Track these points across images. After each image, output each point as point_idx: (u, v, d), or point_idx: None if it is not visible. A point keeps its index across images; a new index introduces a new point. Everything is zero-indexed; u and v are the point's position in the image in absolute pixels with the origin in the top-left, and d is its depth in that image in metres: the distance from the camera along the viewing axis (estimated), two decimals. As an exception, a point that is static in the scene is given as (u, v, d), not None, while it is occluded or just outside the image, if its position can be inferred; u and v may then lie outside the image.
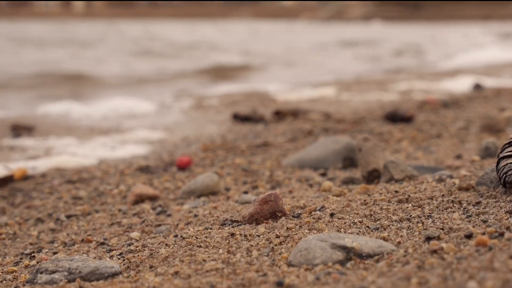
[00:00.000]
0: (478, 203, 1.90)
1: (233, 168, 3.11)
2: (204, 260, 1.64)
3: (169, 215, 2.31)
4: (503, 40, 18.45)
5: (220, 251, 1.71)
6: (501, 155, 1.98)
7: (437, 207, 1.89)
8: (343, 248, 1.56)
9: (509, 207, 1.79)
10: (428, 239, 1.61)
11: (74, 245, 2.06)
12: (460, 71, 9.28)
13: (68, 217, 2.48)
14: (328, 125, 4.39)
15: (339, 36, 24.96)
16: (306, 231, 1.80)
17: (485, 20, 47.35)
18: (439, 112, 4.75)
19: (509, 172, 1.92)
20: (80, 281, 1.61)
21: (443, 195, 2.01)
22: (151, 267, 1.67)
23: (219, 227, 1.98)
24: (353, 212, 1.93)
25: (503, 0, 52.70)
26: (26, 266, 1.85)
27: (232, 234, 1.83)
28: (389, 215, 1.86)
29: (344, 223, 1.83)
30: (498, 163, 1.98)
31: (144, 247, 1.85)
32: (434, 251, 1.49)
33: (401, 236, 1.68)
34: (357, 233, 1.74)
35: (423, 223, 1.76)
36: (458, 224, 1.70)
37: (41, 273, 1.67)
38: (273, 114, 4.96)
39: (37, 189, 2.98)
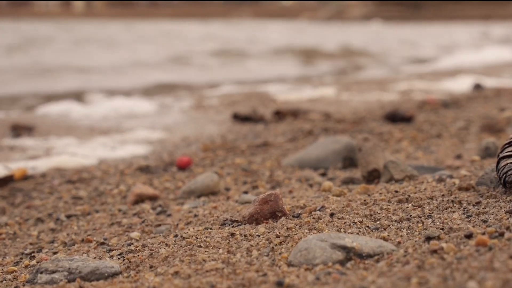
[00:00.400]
0: (478, 203, 1.90)
1: (233, 168, 3.11)
2: (204, 260, 1.64)
3: (169, 215, 2.31)
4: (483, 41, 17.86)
5: (220, 251, 1.71)
6: (501, 155, 1.98)
7: (437, 207, 1.90)
8: (343, 248, 1.56)
9: (509, 207, 1.79)
10: (428, 239, 1.61)
11: (74, 245, 2.06)
12: (460, 71, 9.27)
13: (68, 217, 2.48)
14: (328, 125, 4.39)
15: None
16: (306, 231, 1.80)
17: (485, 20, 47.35)
18: (439, 112, 4.75)
19: (509, 172, 1.92)
20: (80, 281, 1.61)
21: (443, 195, 2.01)
22: (151, 267, 1.67)
23: (219, 227, 1.98)
24: (353, 212, 1.93)
25: (503, 0, 52.70)
26: (26, 266, 1.85)
27: (232, 234, 1.83)
28: (389, 215, 1.86)
29: (344, 223, 1.83)
30: (498, 163, 1.98)
31: (144, 247, 1.85)
32: (434, 251, 1.49)
33: (401, 236, 1.68)
34: (357, 233, 1.74)
35: (423, 223, 1.76)
36: (458, 224, 1.70)
37: (41, 273, 1.67)
38: (273, 114, 4.96)
39: (37, 189, 2.98)
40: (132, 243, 1.92)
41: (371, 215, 1.88)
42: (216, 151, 3.62)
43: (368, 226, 1.79)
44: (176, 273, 1.57)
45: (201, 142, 4.03)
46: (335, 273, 1.46)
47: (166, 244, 1.83)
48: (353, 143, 3.01)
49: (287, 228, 1.83)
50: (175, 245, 1.81)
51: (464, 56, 13.83)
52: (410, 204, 1.95)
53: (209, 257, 1.66)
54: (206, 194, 2.59)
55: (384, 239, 1.67)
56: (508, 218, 1.69)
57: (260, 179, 2.85)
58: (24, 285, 1.67)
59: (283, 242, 1.73)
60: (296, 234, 1.77)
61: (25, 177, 3.21)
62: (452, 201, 1.94)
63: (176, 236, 1.91)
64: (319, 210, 1.99)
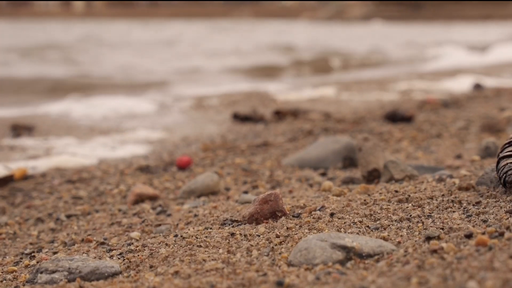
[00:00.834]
0: (478, 202, 1.90)
1: (233, 168, 3.11)
2: (204, 260, 1.64)
3: (169, 215, 2.31)
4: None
5: (220, 251, 1.71)
6: (501, 155, 1.98)
7: (437, 207, 1.90)
8: (343, 248, 1.56)
9: (509, 207, 1.79)
10: (428, 239, 1.61)
11: (74, 245, 2.06)
12: (460, 71, 9.27)
13: (68, 217, 2.48)
14: (328, 125, 4.39)
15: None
16: (306, 231, 1.80)
17: (485, 20, 47.35)
18: (439, 112, 4.75)
19: (509, 172, 1.92)
20: (80, 281, 1.61)
21: (443, 195, 2.01)
22: (151, 267, 1.67)
23: (219, 227, 1.98)
24: (353, 212, 1.93)
25: (503, 0, 52.69)
26: (26, 266, 1.85)
27: (232, 234, 1.83)
28: (389, 215, 1.86)
29: (344, 223, 1.83)
30: (498, 162, 1.98)
31: (144, 247, 1.85)
32: (434, 251, 1.49)
33: (401, 236, 1.68)
34: (357, 233, 1.74)
35: (423, 222, 1.76)
36: (458, 224, 1.70)
37: (41, 273, 1.67)
38: (273, 114, 4.96)
39: (37, 189, 2.98)
40: (132, 243, 1.92)
41: (371, 215, 1.88)
42: (216, 151, 3.62)
43: (368, 226, 1.79)
44: (176, 273, 1.57)
45: (201, 142, 4.03)
46: (335, 273, 1.46)
47: (166, 244, 1.83)
48: (353, 143, 3.01)
49: (287, 228, 1.83)
50: (175, 245, 1.81)
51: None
52: (410, 204, 1.95)
53: (209, 257, 1.66)
54: (206, 194, 2.59)
55: (384, 239, 1.67)
56: (508, 218, 1.69)
57: (260, 179, 2.85)
58: (24, 285, 1.67)
59: (283, 242, 1.73)
60: (296, 234, 1.77)
61: (25, 177, 3.21)
62: (452, 201, 1.94)
63: (176, 236, 1.91)
64: (319, 210, 1.99)
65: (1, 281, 1.73)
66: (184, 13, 68.36)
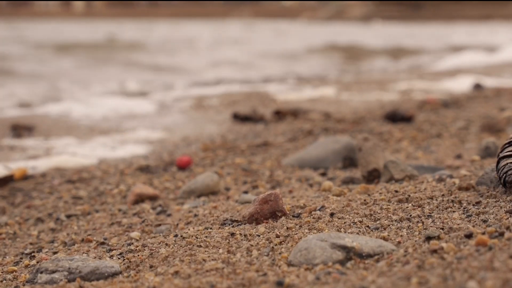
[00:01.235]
0: (478, 202, 1.90)
1: (233, 168, 3.11)
2: (204, 260, 1.64)
3: (169, 215, 2.31)
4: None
5: (220, 250, 1.71)
6: (501, 155, 1.98)
7: (437, 207, 1.90)
8: (343, 247, 1.56)
9: (509, 207, 1.79)
10: (428, 238, 1.61)
11: (74, 245, 2.06)
12: (460, 71, 9.27)
13: (68, 217, 2.48)
14: (328, 125, 4.38)
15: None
16: (306, 230, 1.80)
17: (486, 20, 47.34)
18: (439, 112, 4.75)
19: (509, 172, 1.92)
20: (80, 280, 1.61)
21: (443, 195, 2.01)
22: (151, 266, 1.67)
23: (219, 227, 1.98)
24: (353, 211, 1.93)
25: (503, 0, 52.69)
26: (26, 266, 1.85)
27: (232, 234, 1.83)
28: (389, 214, 1.86)
29: (344, 222, 1.83)
30: (498, 162, 1.98)
31: (144, 246, 1.85)
32: (434, 251, 1.49)
33: (401, 235, 1.68)
34: (357, 233, 1.74)
35: (423, 222, 1.76)
36: (458, 224, 1.70)
37: (41, 272, 1.67)
38: (273, 114, 4.96)
39: (37, 189, 2.98)
40: (132, 243, 1.92)
41: (371, 215, 1.88)
42: (216, 151, 3.62)
43: (368, 226, 1.79)
44: (176, 273, 1.57)
45: (201, 142, 4.03)
46: (335, 273, 1.46)
47: (166, 244, 1.83)
48: (353, 143, 3.01)
49: (287, 228, 1.83)
50: (175, 245, 1.81)
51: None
52: (410, 204, 1.95)
53: (209, 257, 1.66)
54: (206, 194, 2.59)
55: (384, 239, 1.67)
56: (508, 218, 1.69)
57: (260, 179, 2.85)
58: (24, 285, 1.67)
59: (283, 242, 1.73)
60: (296, 234, 1.77)
61: (25, 177, 3.21)
62: (452, 201, 1.94)
63: (176, 236, 1.91)
64: (319, 210, 1.99)
65: (1, 281, 1.73)
66: (184, 13, 68.37)
